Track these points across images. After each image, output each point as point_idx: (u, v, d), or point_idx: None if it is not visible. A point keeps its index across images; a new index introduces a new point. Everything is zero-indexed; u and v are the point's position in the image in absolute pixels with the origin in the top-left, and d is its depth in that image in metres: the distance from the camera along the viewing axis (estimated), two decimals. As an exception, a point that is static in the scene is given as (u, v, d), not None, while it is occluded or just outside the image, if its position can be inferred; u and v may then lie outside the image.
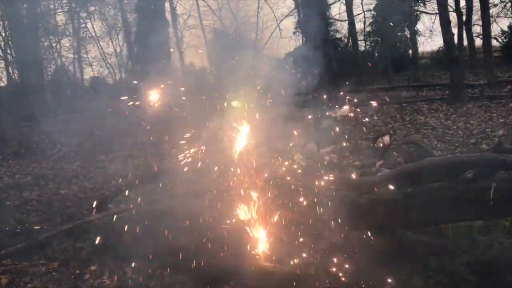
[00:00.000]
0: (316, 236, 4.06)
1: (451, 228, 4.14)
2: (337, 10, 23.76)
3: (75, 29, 22.76)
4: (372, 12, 23.43)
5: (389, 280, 3.43)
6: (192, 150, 3.95)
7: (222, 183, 3.98)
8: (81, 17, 22.59)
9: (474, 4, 19.37)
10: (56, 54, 22.54)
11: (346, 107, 6.30)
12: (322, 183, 4.02)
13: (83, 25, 23.11)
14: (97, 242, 4.24)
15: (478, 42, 22.32)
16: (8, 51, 19.16)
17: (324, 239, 4.02)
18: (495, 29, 21.67)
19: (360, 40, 23.61)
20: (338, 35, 24.05)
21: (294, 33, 24.27)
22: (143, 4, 14.00)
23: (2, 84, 20.56)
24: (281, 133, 4.24)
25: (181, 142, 4.02)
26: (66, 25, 22.58)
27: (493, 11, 21.22)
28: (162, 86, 4.25)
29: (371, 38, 24.34)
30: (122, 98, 4.33)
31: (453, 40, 15.71)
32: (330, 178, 4.00)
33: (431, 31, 23.32)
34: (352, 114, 6.37)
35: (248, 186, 3.94)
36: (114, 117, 8.08)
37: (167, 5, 19.91)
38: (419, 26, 23.94)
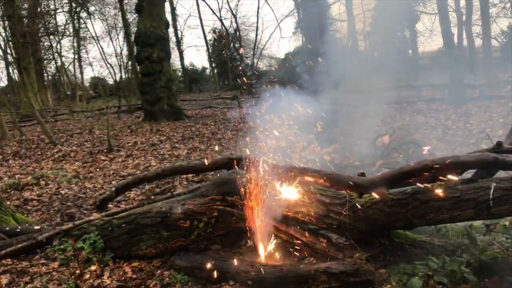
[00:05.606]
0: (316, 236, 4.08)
1: (451, 228, 4.15)
2: (337, 10, 23.78)
3: (75, 29, 22.80)
4: (372, 12, 23.49)
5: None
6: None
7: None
8: (81, 17, 22.66)
9: (474, 4, 19.41)
10: (56, 54, 22.57)
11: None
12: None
13: (83, 25, 23.19)
14: (97, 242, 4.25)
15: (478, 42, 22.37)
16: (8, 51, 19.16)
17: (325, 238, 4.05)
18: (495, 29, 21.69)
19: (360, 40, 23.68)
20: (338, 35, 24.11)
21: (294, 33, 24.27)
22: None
23: (2, 84, 20.58)
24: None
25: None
26: (66, 25, 22.65)
27: (492, 11, 21.25)
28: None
29: (371, 38, 24.34)
30: None
31: (453, 40, 15.72)
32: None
33: (431, 31, 23.39)
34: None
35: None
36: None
37: (167, 5, 19.92)
38: (419, 26, 24.01)
